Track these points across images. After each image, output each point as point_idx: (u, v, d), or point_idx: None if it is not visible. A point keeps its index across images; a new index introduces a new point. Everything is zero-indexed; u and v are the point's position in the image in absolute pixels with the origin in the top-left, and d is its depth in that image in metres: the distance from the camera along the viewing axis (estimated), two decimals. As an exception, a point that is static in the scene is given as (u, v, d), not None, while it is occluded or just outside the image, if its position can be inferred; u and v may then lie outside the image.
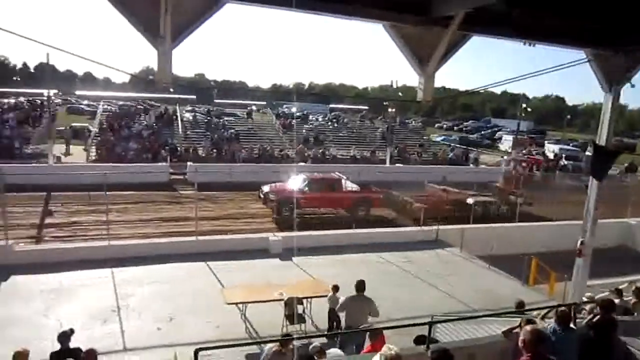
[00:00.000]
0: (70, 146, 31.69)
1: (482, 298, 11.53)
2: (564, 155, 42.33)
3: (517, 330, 4.97)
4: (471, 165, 36.68)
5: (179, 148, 31.62)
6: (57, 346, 6.47)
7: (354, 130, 43.70)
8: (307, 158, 32.52)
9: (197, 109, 46.49)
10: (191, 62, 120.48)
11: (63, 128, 33.48)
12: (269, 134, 39.30)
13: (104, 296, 10.57)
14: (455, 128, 69.41)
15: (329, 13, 6.79)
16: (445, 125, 71.87)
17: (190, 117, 40.64)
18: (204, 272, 12.23)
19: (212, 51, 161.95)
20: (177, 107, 42.67)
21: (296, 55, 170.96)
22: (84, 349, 6.12)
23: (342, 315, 8.44)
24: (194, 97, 60.83)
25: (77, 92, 67.79)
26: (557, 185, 27.40)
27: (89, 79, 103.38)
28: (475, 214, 19.01)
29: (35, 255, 12.47)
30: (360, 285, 8.09)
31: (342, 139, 40.83)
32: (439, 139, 50.73)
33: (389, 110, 37.40)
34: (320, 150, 34.61)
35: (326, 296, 9.37)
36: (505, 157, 30.75)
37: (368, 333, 6.13)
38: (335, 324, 8.90)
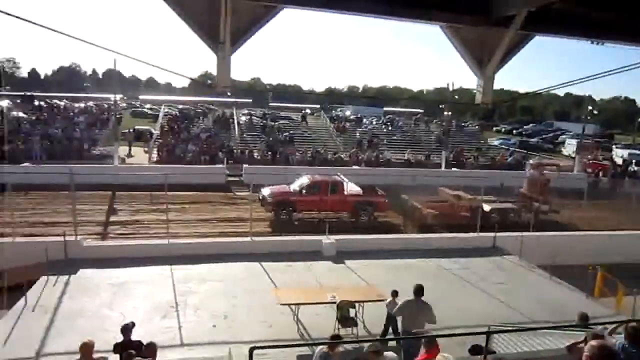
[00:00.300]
0: (132, 148, 33.21)
1: (543, 309, 11.02)
2: (633, 161, 39.80)
3: (581, 345, 4.69)
4: (531, 170, 35.19)
5: (235, 150, 32.42)
6: (120, 338, 6.77)
7: (409, 134, 43.22)
8: (360, 161, 32.45)
9: (252, 112, 47.52)
10: (247, 67, 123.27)
11: (126, 131, 35.15)
12: (323, 137, 39.55)
13: (163, 292, 10.98)
14: (514, 132, 66.93)
15: (387, 16, 6.75)
16: (503, 129, 69.40)
17: (246, 120, 41.60)
18: (258, 272, 12.45)
19: (267, 55, 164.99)
20: (234, 111, 43.80)
21: (350, 58, 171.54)
22: (144, 342, 6.38)
23: (398, 320, 8.30)
24: (250, 100, 62.21)
25: (141, 97, 71.01)
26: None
27: (152, 84, 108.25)
28: (492, 221, 18.21)
29: (102, 250, 13.15)
30: (419, 289, 7.91)
31: (396, 142, 40.47)
32: (496, 142, 49.10)
33: (445, 113, 36.68)
34: (374, 154, 34.44)
35: (379, 301, 9.30)
36: (530, 161, 27.50)
37: (423, 340, 6.01)
38: (391, 329, 8.79)
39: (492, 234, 15.89)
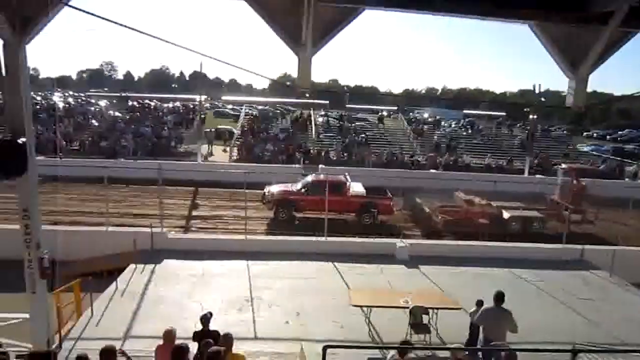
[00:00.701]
0: (213, 146, 34.64)
1: (636, 331, 10.14)
2: None
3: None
4: (627, 179, 32.52)
5: (311, 151, 32.87)
6: (199, 327, 7.09)
7: (490, 138, 41.54)
8: (438, 165, 31.68)
9: (329, 113, 47.92)
10: (326, 68, 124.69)
11: (207, 130, 36.76)
12: (400, 140, 39.04)
13: (239, 286, 11.38)
14: (607, 137, 62.07)
15: (472, 15, 6.55)
16: (595, 134, 64.59)
17: (323, 121, 42.05)
18: (331, 272, 12.54)
19: (345, 56, 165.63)
20: (312, 112, 44.40)
21: (429, 59, 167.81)
22: (221, 332, 6.63)
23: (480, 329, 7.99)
24: (327, 102, 62.76)
25: (223, 97, 73.95)
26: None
27: (233, 86, 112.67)
28: (512, 229, 17.33)
29: (184, 243, 13.87)
30: (499, 296, 7.57)
31: (477, 146, 39.05)
32: (587, 149, 45.85)
33: (530, 116, 34.80)
34: (453, 158, 33.47)
35: (453, 309, 9.03)
36: (563, 166, 23.90)
37: (503, 354, 5.74)
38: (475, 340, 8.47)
39: (579, 246, 14.85)
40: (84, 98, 52.84)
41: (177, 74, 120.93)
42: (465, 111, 64.01)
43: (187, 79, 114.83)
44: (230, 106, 60.45)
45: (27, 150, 6.82)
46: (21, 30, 6.76)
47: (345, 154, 32.48)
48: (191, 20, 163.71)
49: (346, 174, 20.84)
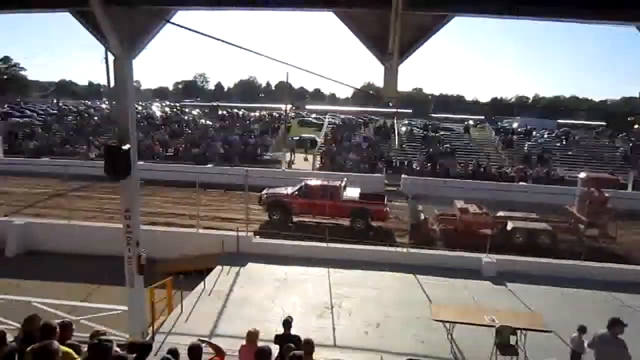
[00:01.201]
0: (295, 155, 35.39)
1: None
2: None
3: None
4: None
5: (394, 160, 32.58)
6: (281, 330, 7.25)
7: (587, 149, 38.67)
8: (527, 177, 30.02)
9: (413, 122, 47.27)
10: (410, 77, 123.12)
11: (290, 138, 37.66)
12: (487, 150, 37.59)
13: (320, 293, 11.51)
14: None
15: (571, 18, 6.16)
16: None
17: (407, 131, 41.55)
18: (413, 284, 12.31)
19: (430, 64, 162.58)
20: (395, 121, 44.05)
21: (519, 66, 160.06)
22: (302, 337, 6.74)
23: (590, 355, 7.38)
24: (410, 111, 61.98)
25: (307, 107, 75.55)
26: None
27: (317, 95, 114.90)
28: (516, 242, 16.43)
29: (268, 247, 14.28)
30: (616, 323, 6.84)
31: (572, 158, 36.52)
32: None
33: (635, 126, 31.92)
34: (544, 170, 31.56)
35: (544, 331, 8.48)
36: (582, 174, 21.07)
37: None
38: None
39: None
40: (178, 108, 56.45)
41: (263, 84, 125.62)
42: (559, 120, 60.18)
43: (273, 88, 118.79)
44: (313, 115, 61.61)
45: (131, 155, 7.42)
46: (129, 47, 7.38)
47: (428, 164, 31.82)
48: (278, 32, 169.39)
49: (344, 179, 20.54)
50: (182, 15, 7.33)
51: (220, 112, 48.53)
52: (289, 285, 11.97)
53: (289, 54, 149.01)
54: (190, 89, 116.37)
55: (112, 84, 7.73)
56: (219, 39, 6.81)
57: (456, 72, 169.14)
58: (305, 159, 34.32)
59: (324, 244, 14.42)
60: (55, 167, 26.96)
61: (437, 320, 9.14)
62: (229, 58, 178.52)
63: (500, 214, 18.25)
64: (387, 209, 18.79)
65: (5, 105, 55.86)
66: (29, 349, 4.79)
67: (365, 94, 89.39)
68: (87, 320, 8.71)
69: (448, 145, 37.20)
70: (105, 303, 9.69)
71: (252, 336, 6.51)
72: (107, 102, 48.60)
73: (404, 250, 14.09)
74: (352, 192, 19.46)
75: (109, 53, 7.61)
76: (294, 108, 61.99)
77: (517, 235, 17.24)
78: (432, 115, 60.88)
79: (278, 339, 7.00)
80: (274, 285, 11.90)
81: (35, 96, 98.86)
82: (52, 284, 12.71)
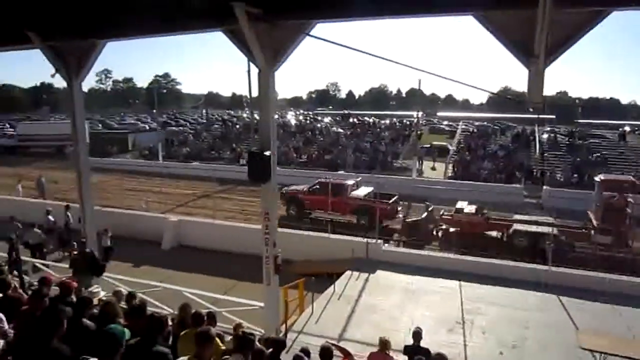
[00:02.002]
0: (423, 163, 34.48)
1: None
2: None
3: None
4: None
5: (534, 170, 30.24)
6: (409, 341, 7.14)
7: None
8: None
9: (556, 129, 43.40)
10: (552, 79, 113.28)
11: (421, 146, 36.81)
12: (648, 160, 33.04)
13: (450, 306, 11.09)
14: None
15: None
16: None
17: (549, 138, 38.30)
18: (555, 305, 11.24)
19: (578, 65, 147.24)
20: (536, 128, 40.88)
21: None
22: (431, 351, 6.55)
23: None
24: (553, 116, 57.00)
25: (439, 114, 73.62)
26: None
27: (449, 101, 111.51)
28: (519, 245, 15.86)
29: (398, 256, 14.19)
30: None
31: None
32: None
33: None
34: None
35: None
36: (601, 176, 18.45)
37: None
38: None
39: None
40: (312, 116, 58.79)
41: (394, 92, 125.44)
42: None
43: (404, 96, 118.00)
44: (445, 122, 59.88)
45: (271, 161, 7.90)
46: (271, 60, 7.89)
47: (575, 175, 28.93)
48: (409, 38, 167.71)
49: (358, 178, 21.72)
50: (319, 28, 7.65)
51: (351, 120, 49.45)
52: (418, 295, 11.74)
53: (420, 60, 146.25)
54: (323, 98, 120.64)
55: (253, 94, 8.34)
56: (352, 48, 6.99)
57: (609, 72, 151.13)
58: (433, 168, 33.30)
59: (455, 256, 13.90)
60: (203, 170, 29.85)
61: (584, 349, 8.23)
62: (360, 66, 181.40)
63: (516, 217, 17.66)
64: (391, 207, 19.11)
65: (164, 116, 63.32)
66: (182, 333, 5.37)
67: (503, 99, 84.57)
68: (227, 312, 9.42)
69: (599, 154, 33.44)
70: (243, 298, 10.39)
71: (385, 345, 6.46)
72: (247, 112, 52.44)
73: (545, 268, 12.94)
74: (362, 191, 20.20)
75: (251, 67, 8.25)
76: (425, 115, 60.80)
77: (520, 238, 16.54)
78: (579, 121, 55.27)
79: (407, 350, 6.90)
80: (402, 294, 11.76)
81: (188, 107, 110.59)
82: (198, 276, 14.05)
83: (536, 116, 47.19)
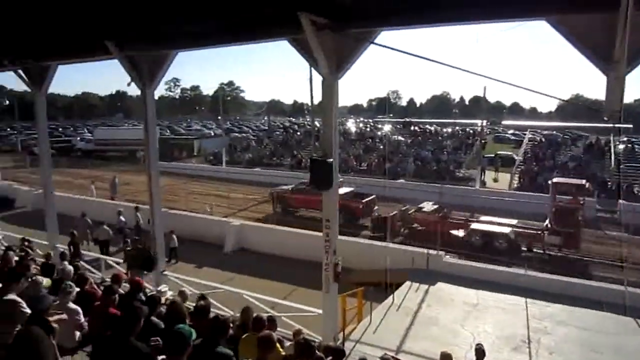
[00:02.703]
0: (485, 173, 33.26)
1: None
2: None
3: None
4: None
5: (609, 183, 28.46)
6: (470, 356, 6.90)
7: None
8: None
9: (633, 139, 40.69)
10: (631, 86, 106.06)
11: (485, 155, 35.59)
12: None
13: (515, 324, 10.58)
14: None
15: None
16: None
17: (626, 148, 35.96)
18: (633, 329, 10.45)
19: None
20: (611, 138, 38.50)
21: None
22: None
23: None
24: (630, 126, 53.39)
25: (504, 122, 71.10)
26: None
27: (515, 109, 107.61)
28: (473, 244, 16.69)
29: (460, 268, 13.73)
30: None
31: None
32: None
33: None
34: None
35: None
36: (554, 180, 19.37)
37: None
38: None
39: None
40: (372, 124, 58.59)
41: (457, 99, 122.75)
42: None
43: (467, 103, 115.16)
44: (511, 131, 57.77)
45: (333, 168, 7.92)
46: (336, 68, 7.92)
47: (655, 189, 26.96)
48: (473, 44, 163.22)
49: (340, 179, 20.97)
50: (382, 35, 7.61)
51: (412, 128, 48.83)
52: (480, 310, 11.31)
53: (486, 66, 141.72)
54: (383, 106, 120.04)
55: (315, 102, 8.41)
56: (416, 55, 6.88)
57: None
58: (495, 179, 31.92)
59: (521, 271, 13.29)
60: (264, 176, 30.47)
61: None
62: (421, 74, 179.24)
63: (484, 218, 18.59)
64: (364, 205, 20.53)
65: (228, 122, 65.34)
66: (244, 336, 5.48)
67: (574, 107, 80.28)
68: (286, 317, 9.51)
69: (682, 166, 31.01)
70: (301, 304, 10.43)
71: (447, 359, 6.29)
72: (308, 119, 53.12)
73: (622, 288, 12.07)
74: (340, 191, 19.82)
75: (313, 74, 8.35)
76: (489, 123, 58.92)
77: (476, 237, 17.28)
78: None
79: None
80: (464, 308, 11.37)
81: (251, 114, 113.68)
82: (258, 279, 14.29)
83: (611, 125, 44.45)
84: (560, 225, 16.77)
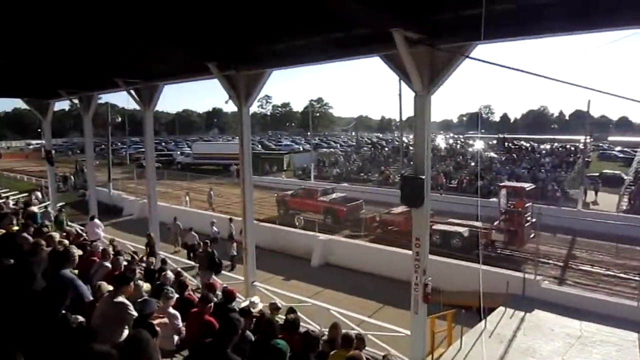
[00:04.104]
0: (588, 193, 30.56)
1: None
2: None
3: None
4: None
5: None
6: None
7: None
8: None
9: None
10: None
11: (589, 174, 32.82)
12: None
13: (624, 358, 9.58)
14: None
15: None
16: None
17: None
18: None
19: None
20: None
21: None
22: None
23: None
24: None
25: (610, 138, 65.74)
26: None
27: (623, 124, 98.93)
28: (435, 242, 17.39)
29: (560, 296, 12.71)
30: None
31: None
32: None
33: None
34: None
35: None
36: (501, 184, 21.96)
37: None
38: None
39: None
40: (462, 140, 56.75)
41: (555, 114, 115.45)
42: None
43: (567, 118, 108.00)
44: (618, 148, 53.24)
45: (425, 185, 7.73)
46: (429, 84, 7.77)
47: None
48: (574, 55, 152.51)
49: (334, 187, 28.73)
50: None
51: (506, 145, 46.55)
52: (584, 343, 10.34)
53: (590, 78, 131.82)
54: (475, 121, 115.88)
55: (403, 118, 8.28)
56: (514, 68, 6.50)
57: None
58: (594, 202, 28.96)
59: (633, 303, 12.02)
60: (351, 191, 30.52)
61: None
62: (516, 87, 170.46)
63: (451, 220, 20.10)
64: (349, 209, 23.36)
65: (316, 138, 66.68)
66: (332, 352, 5.46)
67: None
68: (373, 336, 9.34)
69: None
70: (387, 322, 10.20)
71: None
72: (396, 134, 52.70)
73: None
74: (333, 196, 25.17)
75: (402, 90, 8.23)
76: (593, 140, 54.71)
77: (436, 236, 18.41)
78: None
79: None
80: (565, 340, 10.47)
81: (338, 130, 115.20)
82: (344, 295, 14.31)
83: None
84: (506, 225, 18.67)
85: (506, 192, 19.80)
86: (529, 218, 18.86)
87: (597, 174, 34.63)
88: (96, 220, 15.03)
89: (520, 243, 18.42)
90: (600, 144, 58.53)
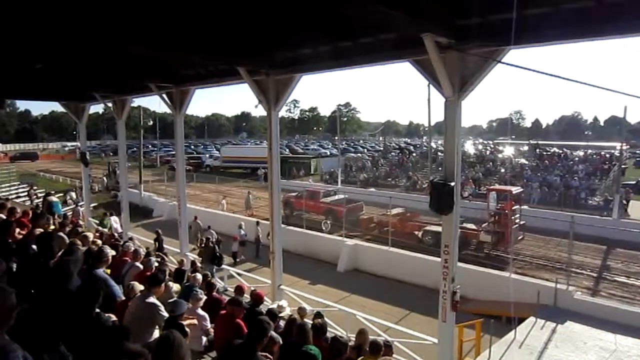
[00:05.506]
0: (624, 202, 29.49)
1: None
2: None
3: None
4: None
5: None
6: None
7: None
8: None
9: None
10: None
11: (624, 182, 31.69)
12: None
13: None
14: None
15: None
16: None
17: None
18: None
19: None
20: None
21: None
22: None
23: None
24: None
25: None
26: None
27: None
28: (427, 242, 19.02)
29: (593, 307, 12.28)
30: None
31: None
32: None
33: None
34: None
35: None
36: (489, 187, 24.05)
37: None
38: None
39: None
40: (492, 146, 55.80)
41: (590, 120, 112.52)
42: None
43: (602, 124, 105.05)
44: (658, 155, 51.46)
45: (455, 192, 7.62)
46: (459, 89, 7.66)
47: None
48: (610, 59, 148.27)
49: (336, 189, 29.68)
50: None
51: (537, 151, 45.53)
52: (620, 358, 9.97)
53: (628, 83, 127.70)
54: (505, 127, 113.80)
55: (432, 123, 8.19)
56: (547, 73, 6.37)
57: None
58: (625, 210, 27.78)
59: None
60: (377, 196, 30.37)
61: None
62: (548, 93, 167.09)
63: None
64: (348, 210, 23.24)
65: (344, 142, 66.64)
66: (360, 358, 5.44)
67: None
68: (399, 343, 9.24)
69: None
70: (414, 330, 10.08)
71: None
72: (424, 140, 52.21)
73: None
74: (335, 198, 25.80)
75: (431, 95, 8.15)
76: (628, 147, 52.97)
77: (428, 236, 19.56)
78: None
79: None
80: (599, 354, 10.12)
81: (366, 135, 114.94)
82: (370, 301, 14.22)
83: None
84: (493, 227, 19.26)
85: (496, 195, 20.62)
86: (517, 220, 19.52)
87: (634, 182, 33.53)
88: (115, 217, 17.53)
89: (506, 244, 18.72)
90: (637, 151, 56.67)
